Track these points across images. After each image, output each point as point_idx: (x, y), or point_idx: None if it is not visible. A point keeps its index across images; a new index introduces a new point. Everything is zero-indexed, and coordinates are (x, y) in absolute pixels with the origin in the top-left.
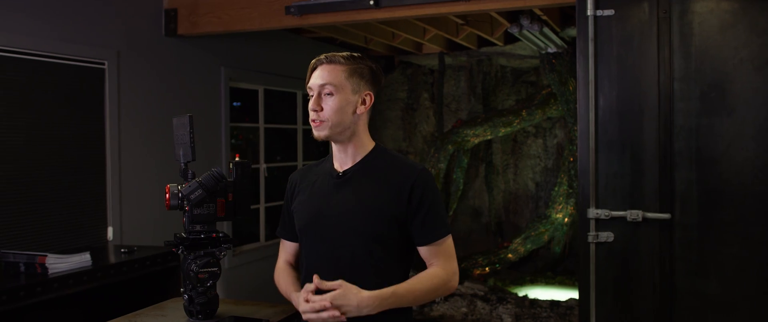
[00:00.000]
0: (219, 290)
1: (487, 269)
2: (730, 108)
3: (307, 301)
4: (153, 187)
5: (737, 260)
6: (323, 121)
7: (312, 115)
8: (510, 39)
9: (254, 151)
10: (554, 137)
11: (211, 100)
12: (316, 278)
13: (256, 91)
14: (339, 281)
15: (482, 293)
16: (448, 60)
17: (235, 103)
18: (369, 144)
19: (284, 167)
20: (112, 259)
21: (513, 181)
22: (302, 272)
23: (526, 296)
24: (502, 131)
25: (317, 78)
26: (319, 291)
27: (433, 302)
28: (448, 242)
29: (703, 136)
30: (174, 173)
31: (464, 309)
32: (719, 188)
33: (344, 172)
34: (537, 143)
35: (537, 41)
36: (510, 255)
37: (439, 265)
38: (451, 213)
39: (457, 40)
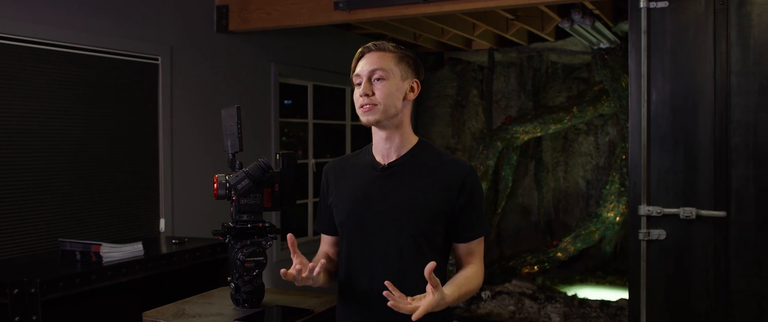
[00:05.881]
0: (266, 283)
1: (535, 267)
2: None
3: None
4: (204, 180)
5: None
6: (375, 105)
7: (362, 100)
8: (561, 34)
9: (304, 148)
10: (606, 135)
11: (262, 96)
12: (389, 284)
13: (305, 89)
14: (431, 290)
15: (530, 292)
16: (497, 56)
17: (285, 101)
18: (413, 138)
19: None
20: (164, 249)
21: (563, 179)
22: (343, 266)
23: (575, 296)
24: (553, 128)
25: (366, 64)
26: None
27: (481, 299)
28: (482, 240)
29: (761, 131)
30: (225, 166)
31: (512, 308)
32: None
33: (389, 164)
34: (588, 141)
35: (589, 36)
36: (559, 254)
37: (476, 265)
38: (499, 211)
39: (507, 36)
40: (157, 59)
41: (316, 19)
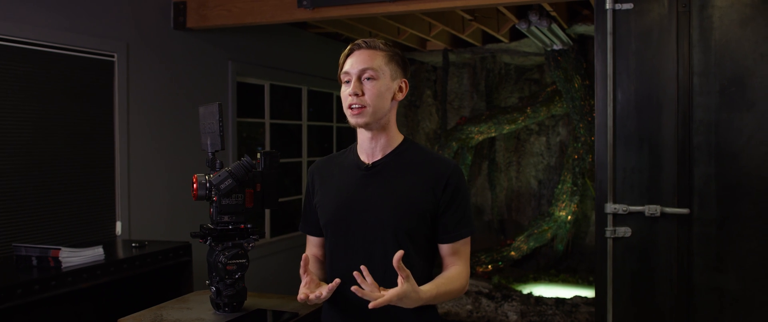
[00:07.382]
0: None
1: (489, 266)
2: (750, 102)
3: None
4: (161, 181)
5: (756, 256)
6: (364, 107)
7: (351, 100)
8: (515, 36)
9: (252, 149)
10: (557, 135)
11: (219, 95)
12: (364, 269)
13: (257, 88)
14: (401, 281)
15: (487, 291)
16: (451, 57)
17: None
18: (399, 137)
19: (288, 163)
20: (123, 253)
21: (516, 179)
22: (328, 267)
23: (530, 294)
24: (507, 128)
25: (357, 63)
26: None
27: None
28: (469, 241)
29: (722, 130)
30: (184, 166)
31: (469, 306)
32: (738, 182)
33: (374, 164)
34: (540, 141)
35: (544, 38)
36: (513, 253)
37: (460, 266)
38: None
39: (463, 37)
40: (112, 56)
41: (279, 17)
